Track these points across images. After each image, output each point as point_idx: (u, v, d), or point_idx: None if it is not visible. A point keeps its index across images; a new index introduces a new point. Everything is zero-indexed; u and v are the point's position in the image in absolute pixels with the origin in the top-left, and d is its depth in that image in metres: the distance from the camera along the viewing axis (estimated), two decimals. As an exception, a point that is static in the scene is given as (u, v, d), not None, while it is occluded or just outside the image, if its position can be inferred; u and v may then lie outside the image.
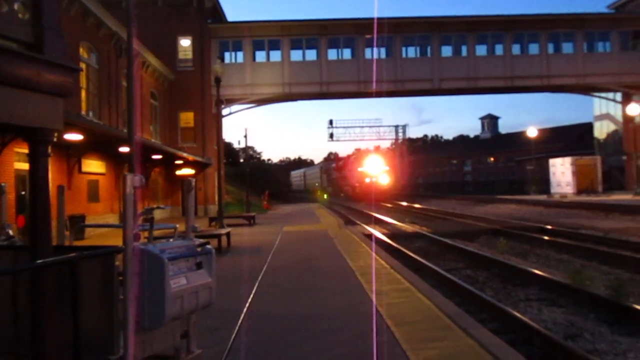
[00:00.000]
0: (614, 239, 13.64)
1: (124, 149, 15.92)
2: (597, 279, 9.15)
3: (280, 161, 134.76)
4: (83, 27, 20.14)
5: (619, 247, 12.40)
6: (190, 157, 24.81)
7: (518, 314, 6.58)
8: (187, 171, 27.06)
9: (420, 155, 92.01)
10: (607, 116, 41.88)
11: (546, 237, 14.74)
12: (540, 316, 7.05)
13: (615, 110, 39.32)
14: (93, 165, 19.43)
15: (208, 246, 4.12)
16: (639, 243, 12.49)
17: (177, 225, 4.82)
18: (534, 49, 34.36)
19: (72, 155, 17.33)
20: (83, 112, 19.73)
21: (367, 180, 45.78)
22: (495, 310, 6.95)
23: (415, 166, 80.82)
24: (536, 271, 9.48)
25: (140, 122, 25.56)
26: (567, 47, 34.73)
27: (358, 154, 51.69)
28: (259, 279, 8.64)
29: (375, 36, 33.51)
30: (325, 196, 62.79)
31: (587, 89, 36.02)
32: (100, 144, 17.10)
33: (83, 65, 20.20)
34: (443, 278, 9.35)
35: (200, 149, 30.68)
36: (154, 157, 21.16)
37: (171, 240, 4.10)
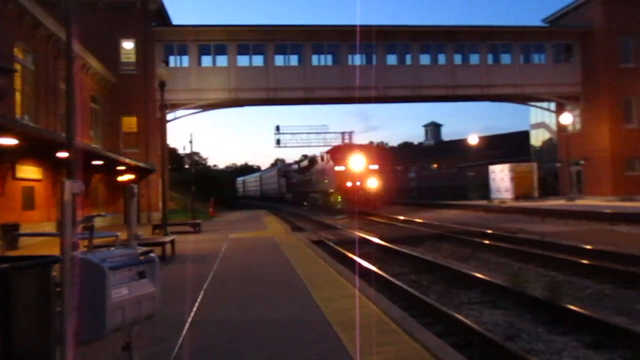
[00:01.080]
0: (549, 242, 14.26)
1: (63, 154, 15.30)
2: (534, 281, 9.53)
3: (227, 167, 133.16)
4: (19, 27, 19.26)
5: (554, 250, 12.97)
6: (133, 163, 24.11)
7: (460, 317, 6.75)
8: (130, 177, 26.28)
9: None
10: (542, 125, 43.84)
11: (487, 242, 15.23)
12: (482, 318, 7.27)
13: (550, 119, 41.26)
14: (29, 171, 18.55)
15: (151, 254, 4.01)
16: (572, 246, 13.11)
17: (119, 234, 4.67)
18: (474, 59, 35.61)
19: (6, 160, 16.47)
20: (18, 116, 18.84)
21: (349, 184, 33.14)
22: (439, 314, 7.11)
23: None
24: (477, 275, 9.77)
25: (80, 126, 24.66)
26: (505, 58, 36.21)
27: (337, 150, 38.46)
28: (205, 287, 8.49)
29: (352, 42, 33.77)
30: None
31: (524, 99, 37.65)
32: (36, 148, 16.35)
33: (18, 67, 19.31)
34: (389, 283, 9.49)
35: (144, 155, 29.91)
36: (95, 162, 20.42)
37: (112, 248, 3.97)
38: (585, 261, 10.85)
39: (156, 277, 3.95)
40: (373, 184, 33.66)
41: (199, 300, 7.46)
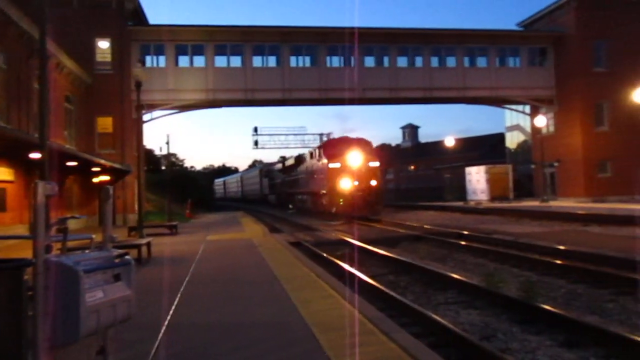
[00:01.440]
0: (523, 243, 14.49)
1: (35, 155, 15.01)
2: (510, 281, 9.67)
3: (204, 168, 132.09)
4: (-11, 24, 18.86)
5: (528, 251, 13.18)
6: (108, 164, 23.77)
7: (437, 317, 6.81)
8: (105, 179, 25.90)
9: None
10: (517, 127, 44.53)
11: (463, 242, 15.40)
12: (458, 318, 7.35)
13: (525, 122, 41.95)
14: (0, 173, 18.16)
15: (127, 257, 3.96)
16: (546, 247, 13.34)
17: (94, 236, 4.60)
18: (451, 62, 36.03)
19: (-24, 161, 16.12)
20: (-11, 116, 18.42)
21: (347, 184, 27.61)
22: (416, 315, 7.16)
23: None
24: (454, 275, 9.88)
25: (54, 126, 24.22)
26: (481, 61, 36.72)
27: (332, 144, 32.00)
28: (182, 289, 8.41)
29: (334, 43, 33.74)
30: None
31: (499, 101, 38.22)
32: (8, 149, 16.01)
33: (-11, 65, 18.89)
34: (366, 284, 9.53)
35: (120, 156, 29.51)
36: (69, 164, 20.08)
37: (87, 251, 3.91)
38: (558, 261, 11.05)
39: (132, 280, 3.90)
40: (374, 183, 28.54)
41: (175, 302, 7.38)
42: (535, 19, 39.64)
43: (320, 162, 30.99)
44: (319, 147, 32.64)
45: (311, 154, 34.80)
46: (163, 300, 7.35)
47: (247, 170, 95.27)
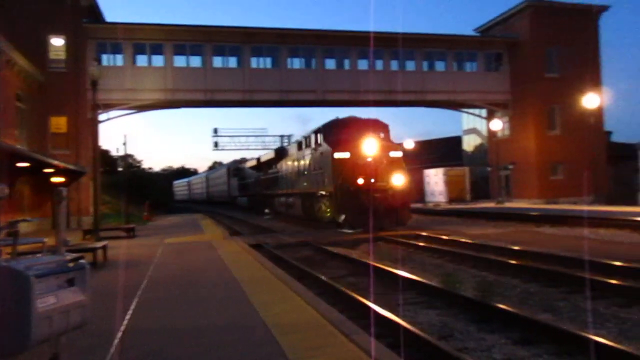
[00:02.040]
0: (480, 243, 14.82)
1: (-16, 156, 14.41)
2: (466, 281, 9.88)
3: (163, 170, 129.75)
4: None
5: (484, 251, 13.49)
6: (62, 165, 23.04)
7: (397, 318, 6.89)
8: (59, 180, 25.10)
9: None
10: (474, 130, 45.64)
11: (422, 244, 15.64)
12: (417, 318, 7.46)
13: (481, 125, 43.02)
14: (-55, 173, 17.33)
15: (82, 261, 3.86)
16: (501, 247, 13.68)
17: (46, 239, 4.46)
18: (410, 65, 36.60)
19: None
20: None
21: (361, 180, 19.92)
22: (376, 316, 7.22)
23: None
24: (413, 276, 10.02)
25: (4, 126, 23.34)
26: (439, 66, 37.46)
27: (337, 126, 22.86)
28: (139, 293, 8.24)
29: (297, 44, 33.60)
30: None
31: (457, 105, 39.06)
32: (-46, 149, 15.33)
33: None
34: (327, 286, 9.55)
35: (74, 157, 28.69)
36: (20, 164, 19.37)
37: (39, 255, 3.78)
38: (513, 261, 11.35)
39: (86, 285, 3.80)
40: (399, 180, 20.34)
41: (132, 307, 7.22)
42: (492, 25, 40.72)
43: (319, 152, 22.77)
44: (317, 132, 23.43)
45: (302, 143, 25.94)
46: (119, 305, 7.18)
47: (213, 170, 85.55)
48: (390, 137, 23.06)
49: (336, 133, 22.27)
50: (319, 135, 23.19)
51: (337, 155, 20.93)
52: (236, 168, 52.55)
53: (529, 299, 8.45)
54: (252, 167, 41.09)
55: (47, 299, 3.38)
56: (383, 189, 20.06)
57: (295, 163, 27.15)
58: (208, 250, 14.57)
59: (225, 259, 12.27)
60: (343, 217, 20.32)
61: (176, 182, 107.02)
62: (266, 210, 36.45)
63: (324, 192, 22.33)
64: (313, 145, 23.78)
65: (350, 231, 19.99)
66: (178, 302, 7.63)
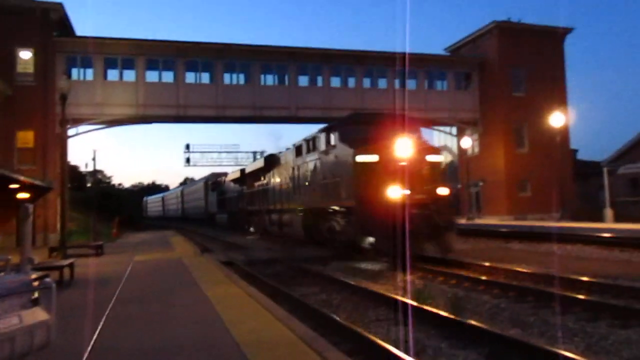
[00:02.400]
0: (450, 259, 14.94)
1: (-54, 171, 13.97)
2: (438, 297, 9.94)
3: (133, 186, 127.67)
4: None
5: (454, 267, 13.62)
6: (28, 181, 22.46)
7: (369, 335, 6.89)
8: (24, 196, 24.44)
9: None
10: (445, 148, 46.25)
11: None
12: (389, 335, 7.45)
13: (452, 143, 43.69)
14: None
15: (47, 279, 3.76)
16: (471, 263, 13.84)
17: (10, 257, 4.33)
18: (382, 83, 37.10)
19: None
20: None
21: (395, 192, 14.38)
22: (348, 333, 7.20)
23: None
24: (385, 293, 10.04)
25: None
26: (411, 84, 38.03)
27: (358, 122, 18.18)
28: (107, 312, 8.04)
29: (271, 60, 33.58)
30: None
31: (427, 122, 39.60)
32: None
33: None
34: (299, 303, 9.50)
35: (41, 172, 28.02)
36: (-16, 180, 18.81)
37: (2, 274, 3.67)
38: (483, 277, 11.49)
39: (52, 304, 3.70)
40: (443, 192, 15.79)
41: (99, 326, 7.04)
42: (461, 44, 41.66)
43: (333, 156, 17.64)
44: (328, 130, 18.26)
45: (302, 147, 20.88)
46: (86, 325, 7.00)
47: (189, 184, 78.50)
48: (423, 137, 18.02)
49: (357, 131, 17.02)
50: (332, 134, 17.81)
51: (360, 158, 15.71)
52: (215, 182, 46.95)
53: (498, 314, 8.55)
54: (235, 180, 36.45)
55: (9, 319, 3.27)
56: (423, 202, 14.92)
57: (293, 172, 21.92)
58: (179, 267, 14.35)
59: (195, 275, 12.10)
60: (369, 240, 15.49)
61: (150, 198, 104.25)
62: (251, 229, 31.85)
63: (338, 208, 17.14)
64: (322, 147, 18.34)
65: (372, 262, 15.65)
66: (147, 321, 7.48)
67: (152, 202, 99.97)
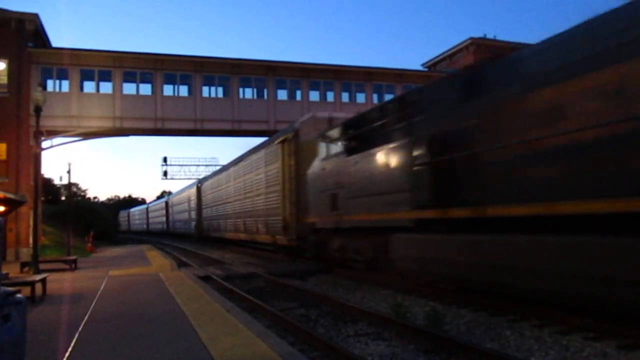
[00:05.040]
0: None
1: None
2: (416, 311, 9.96)
3: (109, 200, 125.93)
4: None
5: (434, 281, 13.67)
6: (1, 194, 22.01)
7: (347, 350, 6.86)
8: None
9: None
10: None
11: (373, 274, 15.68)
12: (367, 350, 7.44)
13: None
14: None
15: (18, 295, 3.67)
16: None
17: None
18: (360, 97, 37.40)
19: None
20: None
21: None
22: (326, 348, 7.17)
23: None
24: (363, 307, 10.03)
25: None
26: (389, 98, 38.34)
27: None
28: (80, 329, 7.87)
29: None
30: None
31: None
32: None
33: None
34: (277, 318, 9.43)
35: (14, 185, 27.44)
36: (-46, 193, 18.37)
37: (-29, 291, 3.57)
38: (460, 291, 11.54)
39: (23, 321, 3.61)
40: None
41: (72, 344, 6.88)
42: (438, 60, 42.32)
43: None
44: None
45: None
46: (58, 342, 6.84)
47: (178, 191, 63.89)
48: None
49: None
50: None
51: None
52: (204, 182, 41.13)
53: (476, 328, 8.59)
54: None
55: (-22, 337, 3.18)
56: None
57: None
58: (155, 282, 14.14)
59: (172, 291, 11.94)
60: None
61: (133, 210, 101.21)
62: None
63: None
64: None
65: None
66: (122, 338, 7.32)
67: (136, 214, 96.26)
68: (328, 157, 15.90)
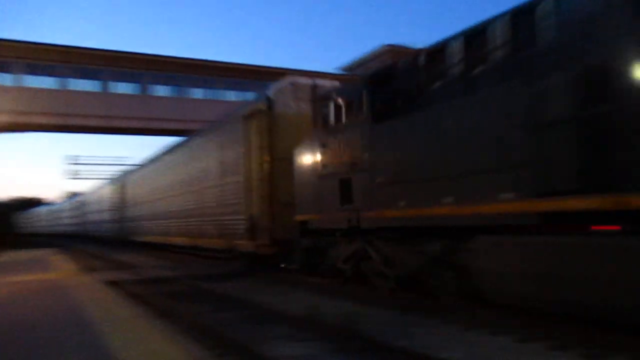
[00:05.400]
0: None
1: None
2: (331, 313, 10.08)
3: (11, 200, 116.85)
4: None
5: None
6: None
7: (265, 353, 6.83)
8: None
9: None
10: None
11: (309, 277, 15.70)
12: (285, 352, 7.45)
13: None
14: None
15: None
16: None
17: None
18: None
19: None
20: None
21: None
22: (244, 351, 7.10)
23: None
24: (280, 309, 10.04)
25: None
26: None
27: None
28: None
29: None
30: None
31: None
32: None
33: None
34: (194, 322, 9.21)
35: None
36: None
37: None
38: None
39: None
40: None
41: (-37, 358, 6.33)
42: (355, 65, 43.28)
43: None
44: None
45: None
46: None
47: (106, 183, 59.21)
48: None
49: None
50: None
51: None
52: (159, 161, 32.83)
53: (388, 327, 8.84)
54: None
55: None
56: None
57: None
58: (57, 289, 13.32)
59: (76, 298, 11.32)
60: None
61: (39, 210, 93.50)
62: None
63: None
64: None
65: None
66: (19, 351, 6.83)
67: (40, 216, 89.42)
68: (332, 129, 11.56)
